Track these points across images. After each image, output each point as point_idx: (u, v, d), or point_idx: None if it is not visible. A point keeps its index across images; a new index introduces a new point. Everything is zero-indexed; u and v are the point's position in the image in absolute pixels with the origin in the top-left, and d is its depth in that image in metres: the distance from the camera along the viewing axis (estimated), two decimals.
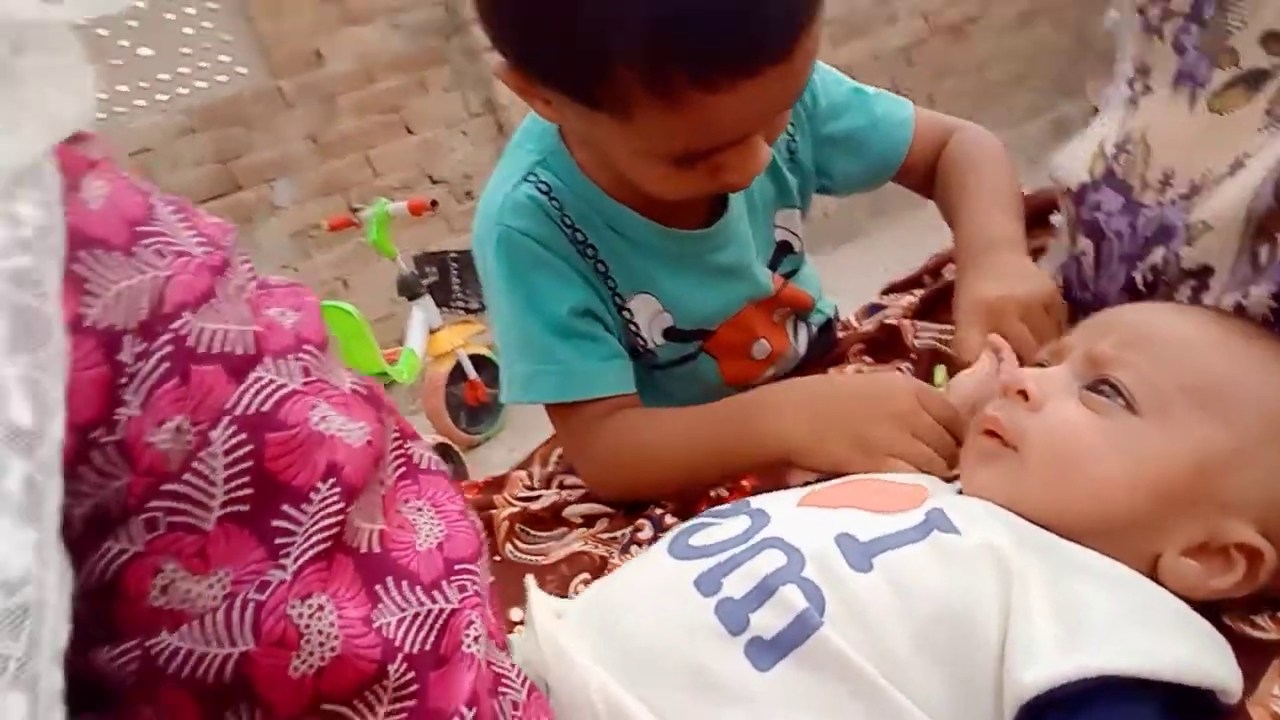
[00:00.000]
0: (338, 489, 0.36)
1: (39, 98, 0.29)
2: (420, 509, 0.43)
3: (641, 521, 0.73)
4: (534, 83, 0.64)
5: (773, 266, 0.88)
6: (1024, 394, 0.53)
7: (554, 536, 0.78)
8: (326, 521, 0.36)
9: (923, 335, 0.88)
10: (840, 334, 1.00)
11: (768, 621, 0.44)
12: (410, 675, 0.37)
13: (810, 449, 0.64)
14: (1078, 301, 0.78)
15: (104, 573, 0.33)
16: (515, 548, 0.79)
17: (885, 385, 0.68)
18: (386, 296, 3.14)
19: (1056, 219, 0.85)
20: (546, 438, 0.95)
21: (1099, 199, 0.75)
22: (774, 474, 0.69)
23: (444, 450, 2.46)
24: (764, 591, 0.45)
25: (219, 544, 0.34)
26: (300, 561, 0.35)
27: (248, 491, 0.34)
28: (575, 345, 0.77)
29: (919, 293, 0.96)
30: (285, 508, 0.35)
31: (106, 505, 0.33)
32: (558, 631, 0.48)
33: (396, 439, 0.44)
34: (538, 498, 0.85)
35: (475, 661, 0.38)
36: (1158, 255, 0.68)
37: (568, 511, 0.80)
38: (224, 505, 0.34)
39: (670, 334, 0.84)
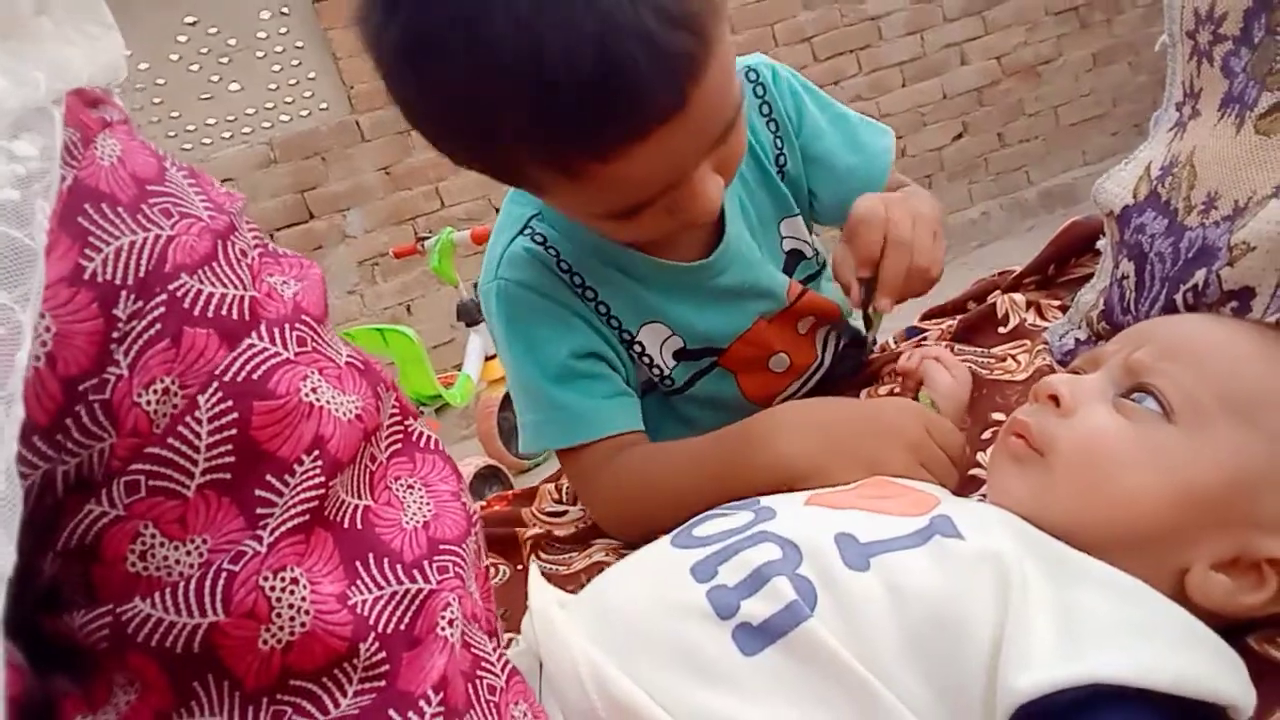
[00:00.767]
0: (320, 462, 0.36)
1: (56, 53, 0.30)
2: (412, 486, 0.42)
3: None
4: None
5: (788, 273, 0.87)
6: (1055, 399, 0.52)
7: (577, 548, 0.79)
8: (306, 494, 0.35)
9: (961, 358, 0.86)
10: (876, 354, 0.98)
11: (757, 609, 0.44)
12: (381, 655, 0.36)
13: (818, 474, 0.62)
14: (1119, 325, 0.76)
15: (84, 536, 0.33)
16: (539, 558, 0.79)
17: (894, 413, 0.67)
18: (447, 322, 3.20)
19: (1102, 243, 0.83)
20: None
21: (1142, 221, 0.73)
22: None
23: (494, 474, 2.47)
24: (757, 580, 0.45)
25: (198, 511, 0.33)
26: (277, 534, 0.34)
27: (230, 460, 0.34)
28: (578, 387, 0.77)
29: (960, 317, 0.94)
30: (268, 478, 0.35)
31: (90, 467, 0.32)
32: (552, 610, 0.48)
33: (395, 416, 0.43)
34: (564, 514, 0.85)
35: (448, 645, 0.38)
36: (1199, 276, 0.66)
37: (593, 541, 0.80)
38: (205, 472, 0.34)
39: (680, 354, 0.84)
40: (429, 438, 0.45)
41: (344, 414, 0.38)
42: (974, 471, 0.70)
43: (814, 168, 0.85)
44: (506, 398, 2.89)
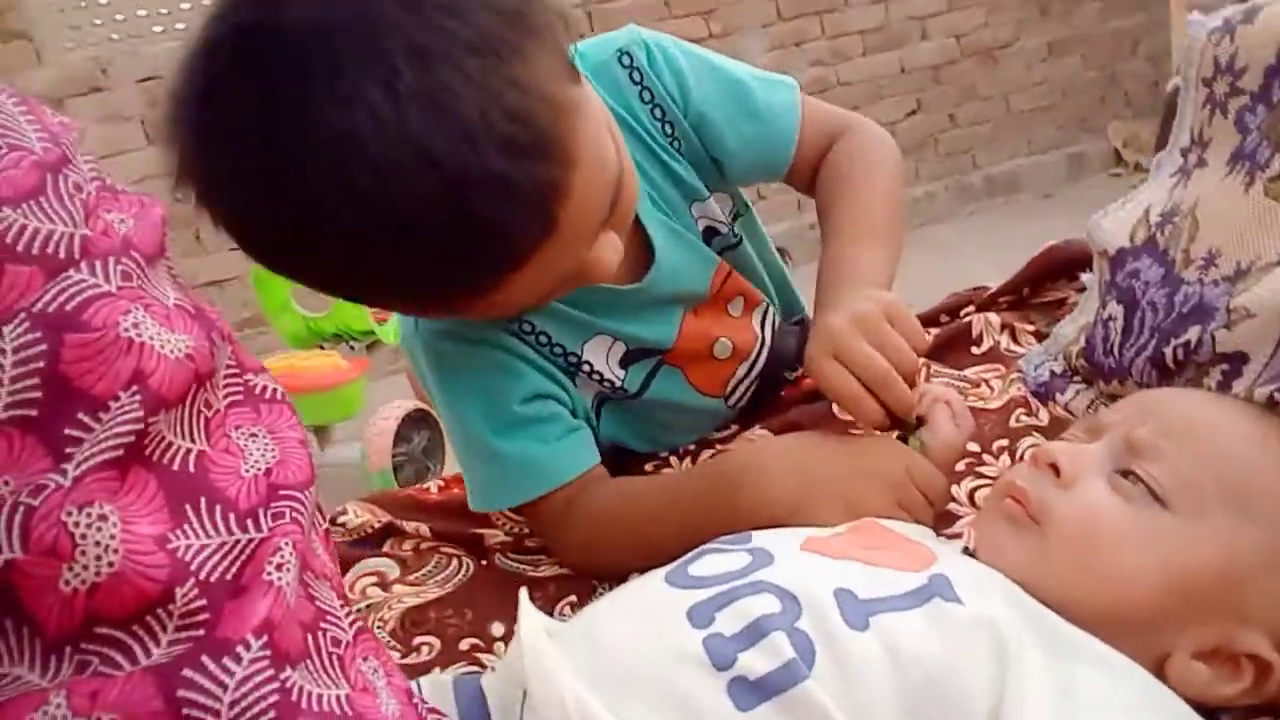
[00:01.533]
0: (139, 397, 0.34)
1: None
2: (255, 434, 0.40)
3: None
4: None
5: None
6: (1055, 468, 0.52)
7: (545, 554, 0.77)
8: (120, 429, 0.33)
9: (936, 379, 0.86)
10: None
11: (754, 663, 0.43)
12: (201, 603, 0.34)
13: (799, 515, 0.61)
14: (1100, 367, 0.77)
15: None
16: (506, 557, 0.77)
17: (873, 454, 0.65)
18: None
19: (1087, 278, 0.83)
20: None
21: (1137, 266, 0.73)
22: None
23: (424, 417, 2.43)
24: (755, 633, 0.44)
25: (0, 450, 0.31)
26: (84, 467, 0.32)
27: (36, 395, 0.32)
28: (531, 433, 0.73)
29: (934, 332, 0.94)
30: (80, 415, 0.32)
31: None
32: (541, 643, 0.47)
33: (233, 369, 0.41)
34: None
35: (274, 589, 0.36)
36: (1192, 333, 0.66)
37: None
38: (8, 408, 0.31)
39: (626, 360, 0.81)
40: (272, 389, 0.43)
41: (171, 351, 0.35)
42: (949, 506, 0.69)
43: (710, 140, 0.80)
44: None
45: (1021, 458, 0.74)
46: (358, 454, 2.28)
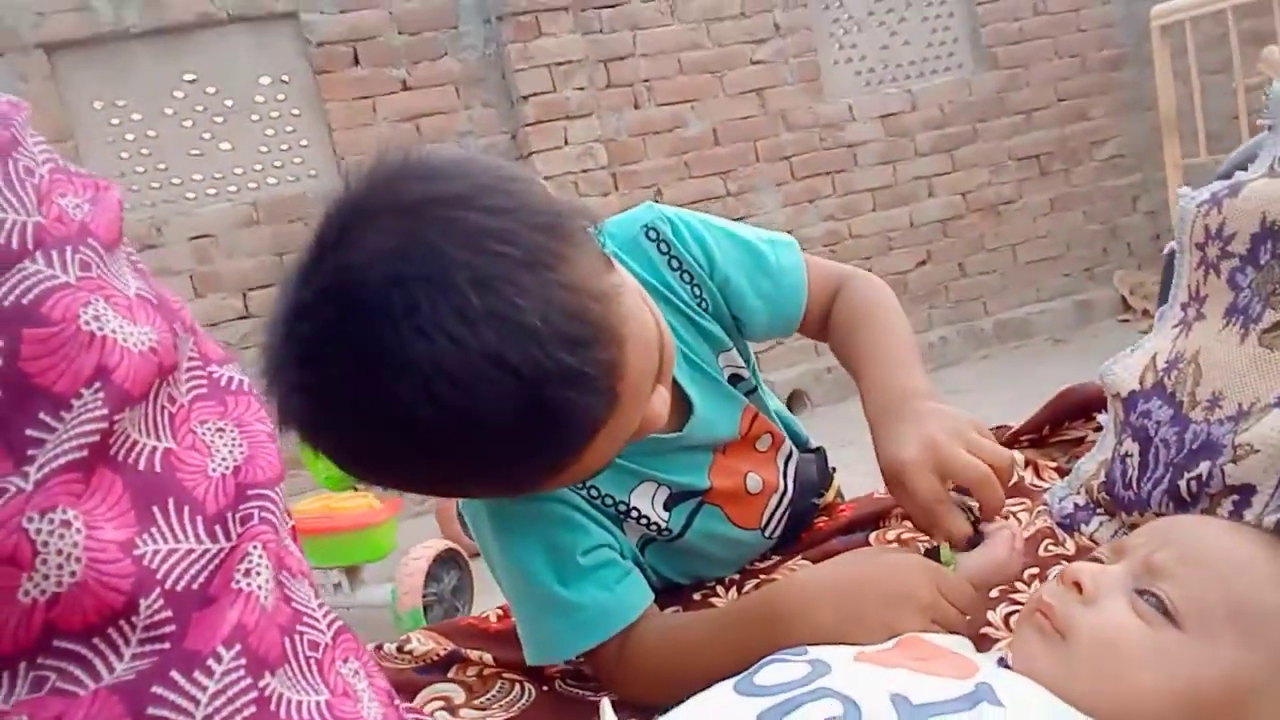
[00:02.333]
0: (102, 394, 0.32)
1: None
2: (222, 429, 0.38)
3: None
4: None
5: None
6: (1079, 586, 0.57)
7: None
8: (84, 429, 0.31)
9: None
10: (882, 494, 1.03)
11: None
12: (167, 614, 0.32)
13: (842, 641, 0.64)
14: (1120, 499, 0.83)
15: None
16: (564, 683, 0.81)
17: (905, 576, 0.70)
18: None
19: (1103, 418, 0.90)
20: None
21: (1148, 408, 0.80)
22: None
23: (452, 556, 2.46)
24: None
25: None
26: (45, 470, 0.30)
27: None
28: (594, 581, 0.78)
29: None
30: (41, 415, 0.30)
31: None
32: None
33: (195, 361, 0.39)
34: None
35: (243, 595, 0.34)
36: (1203, 468, 0.72)
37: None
38: None
39: (670, 502, 0.86)
40: (239, 381, 0.42)
41: (135, 345, 0.33)
42: (985, 630, 0.74)
43: (734, 300, 0.88)
44: None
45: None
46: (387, 594, 2.29)
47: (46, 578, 0.30)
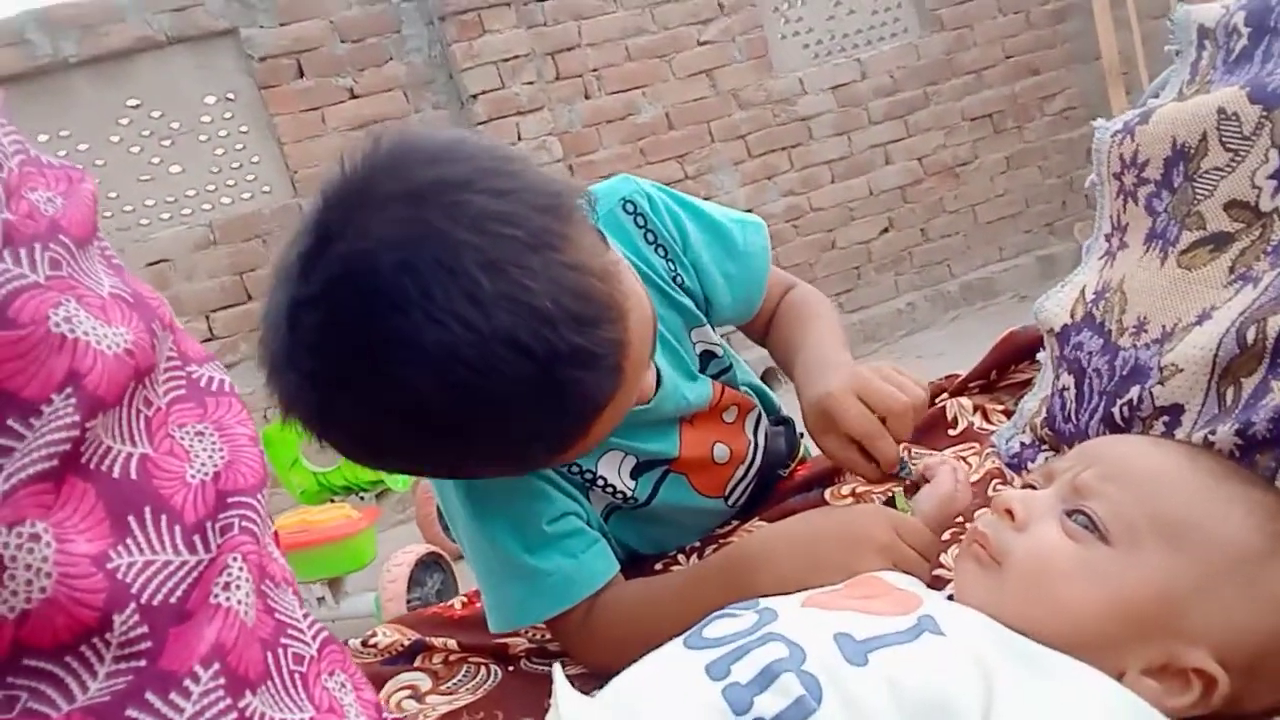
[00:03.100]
0: (74, 400, 0.30)
1: None
2: (202, 433, 0.37)
3: None
4: None
5: (702, 372, 0.92)
6: (1011, 513, 0.58)
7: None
8: (54, 437, 0.30)
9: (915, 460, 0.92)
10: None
11: (768, 704, 0.48)
12: (142, 630, 0.31)
13: (810, 588, 0.67)
14: (1061, 433, 0.84)
15: None
16: (530, 661, 0.81)
17: (863, 523, 0.71)
18: None
19: (1042, 356, 0.91)
20: None
21: (1080, 339, 0.81)
22: None
23: (435, 560, 2.46)
24: (767, 677, 0.49)
25: None
26: (14, 481, 0.29)
27: None
28: (560, 548, 0.79)
29: None
30: (10, 422, 0.29)
31: None
32: (580, 713, 0.51)
33: (174, 360, 0.38)
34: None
35: (222, 611, 0.33)
36: (1134, 392, 0.73)
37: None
38: None
39: (636, 470, 0.87)
40: (219, 380, 0.41)
41: (108, 347, 0.32)
42: (938, 571, 0.75)
43: (704, 279, 0.90)
44: None
45: None
46: (371, 604, 2.29)
47: (15, 594, 0.28)
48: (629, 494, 0.87)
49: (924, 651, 0.50)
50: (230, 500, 0.36)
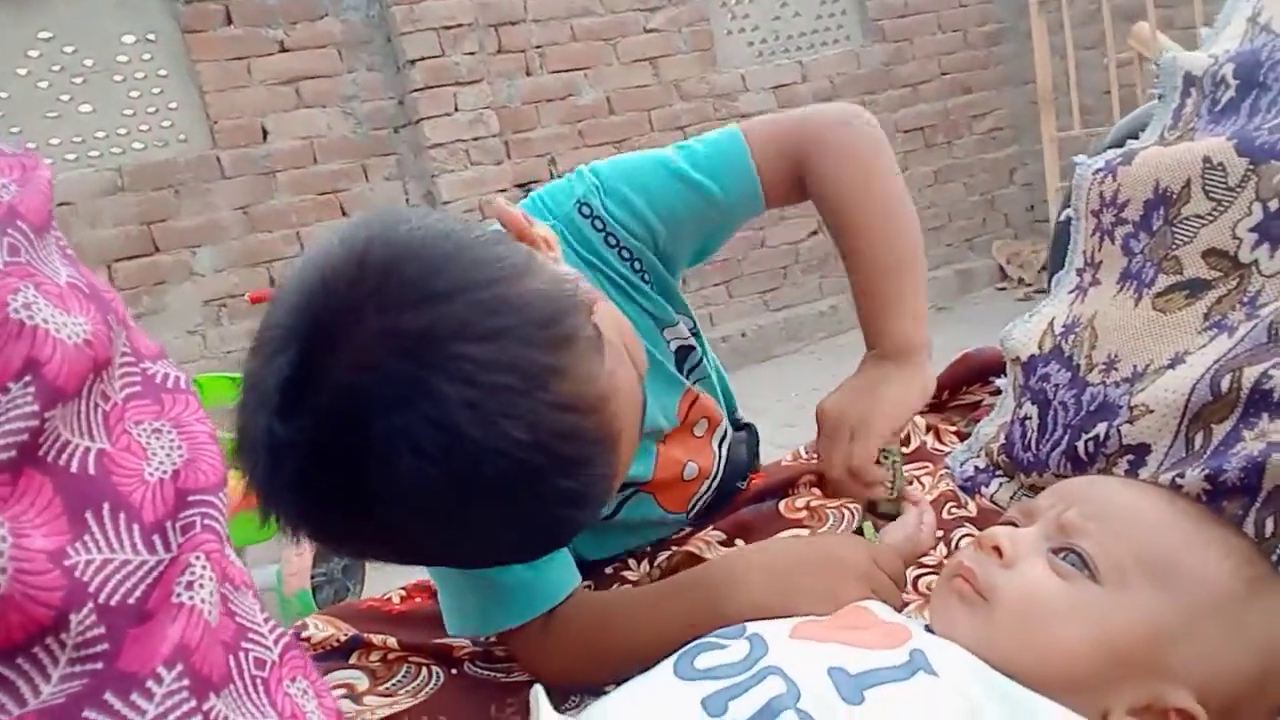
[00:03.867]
0: (32, 389, 0.29)
1: None
2: (159, 430, 0.36)
3: None
4: None
5: (678, 368, 0.90)
6: (999, 550, 0.58)
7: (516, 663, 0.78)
8: (11, 426, 0.29)
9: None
10: (790, 461, 1.03)
11: None
12: (99, 630, 0.30)
13: (784, 613, 0.65)
14: (1019, 461, 0.85)
15: None
16: (474, 665, 0.78)
17: (840, 550, 0.72)
18: None
19: (1001, 382, 0.92)
20: None
21: (1046, 371, 0.82)
22: None
23: None
24: (768, 715, 0.48)
25: None
26: None
27: None
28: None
29: None
30: None
31: None
32: None
33: (128, 357, 0.37)
34: None
35: (185, 609, 0.32)
36: (1100, 429, 0.74)
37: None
38: None
39: None
40: (175, 377, 0.39)
41: (68, 336, 0.31)
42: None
43: (682, 229, 0.84)
44: None
45: (956, 546, 0.80)
46: (273, 576, 2.20)
47: None
48: None
49: (919, 692, 0.50)
50: (191, 499, 0.35)
